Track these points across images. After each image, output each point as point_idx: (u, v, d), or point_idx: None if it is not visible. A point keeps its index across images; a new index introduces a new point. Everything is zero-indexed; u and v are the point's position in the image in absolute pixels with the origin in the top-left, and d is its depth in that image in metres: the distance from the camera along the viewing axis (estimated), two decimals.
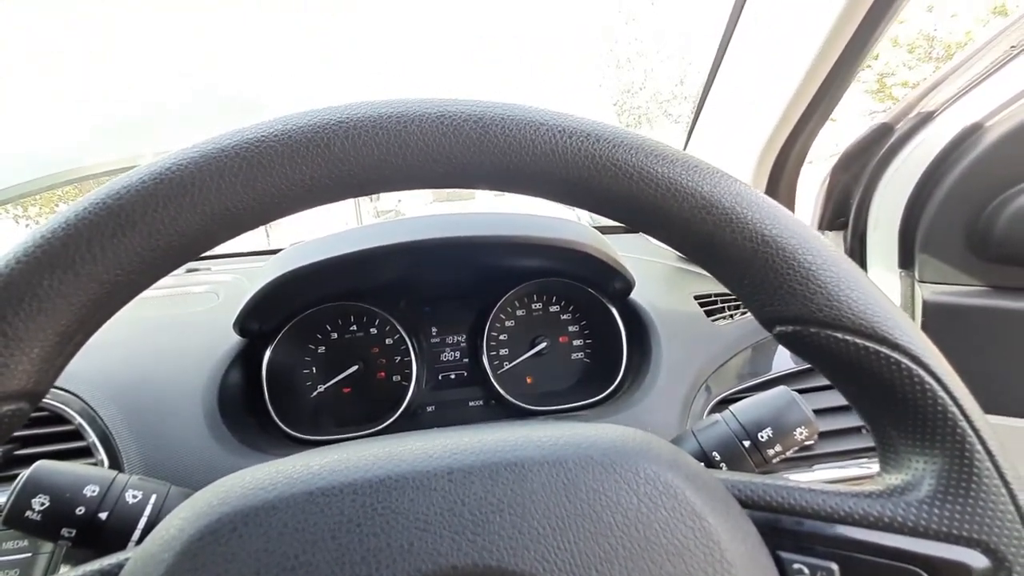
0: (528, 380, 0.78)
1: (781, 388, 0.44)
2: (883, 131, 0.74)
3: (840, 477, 0.58)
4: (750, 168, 0.78)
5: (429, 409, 0.74)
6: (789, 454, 0.43)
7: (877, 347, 0.26)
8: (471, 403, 0.75)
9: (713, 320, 0.71)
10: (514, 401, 0.70)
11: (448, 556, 0.22)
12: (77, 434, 0.52)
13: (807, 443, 0.43)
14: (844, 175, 0.78)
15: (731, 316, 0.73)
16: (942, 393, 0.25)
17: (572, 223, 0.65)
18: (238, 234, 0.29)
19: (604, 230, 1.04)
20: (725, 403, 0.62)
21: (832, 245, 0.28)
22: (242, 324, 0.62)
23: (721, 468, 0.42)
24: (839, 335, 0.26)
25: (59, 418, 0.53)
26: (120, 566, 0.25)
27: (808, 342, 0.27)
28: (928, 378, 0.25)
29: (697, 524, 0.24)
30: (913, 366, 0.26)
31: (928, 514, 0.26)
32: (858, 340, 0.26)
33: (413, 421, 0.72)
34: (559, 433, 0.27)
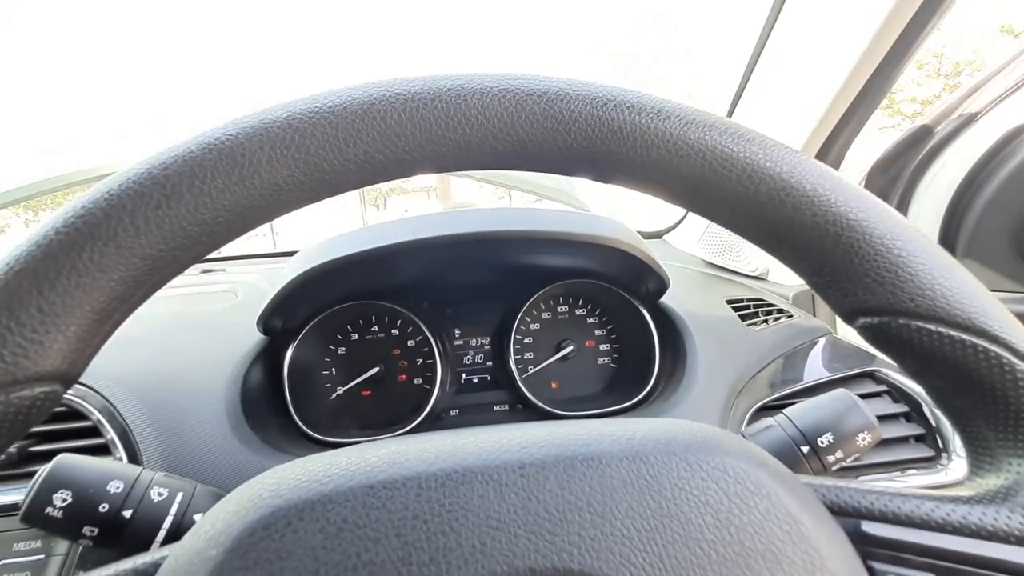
0: (553, 385, 0.75)
1: (840, 391, 0.42)
2: (922, 134, 0.72)
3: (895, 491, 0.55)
4: (800, 141, 0.76)
5: (453, 413, 0.72)
6: (849, 461, 0.40)
7: (974, 340, 0.24)
8: (496, 407, 0.73)
9: (747, 324, 0.69)
10: (541, 405, 0.68)
11: (525, 558, 0.20)
12: (95, 431, 0.50)
13: (869, 450, 0.40)
14: (881, 178, 0.76)
15: (766, 321, 0.71)
16: None
17: (605, 220, 0.63)
18: (285, 212, 0.27)
19: None
20: (765, 411, 0.59)
21: (922, 232, 0.26)
22: (266, 321, 0.60)
23: None
24: (931, 327, 0.24)
25: (77, 414, 0.51)
26: (156, 565, 0.23)
27: (895, 335, 0.25)
28: None
29: (794, 528, 0.22)
30: (1015, 360, 0.23)
31: None
32: (953, 332, 0.24)
33: (436, 425, 0.70)
34: (634, 427, 0.25)
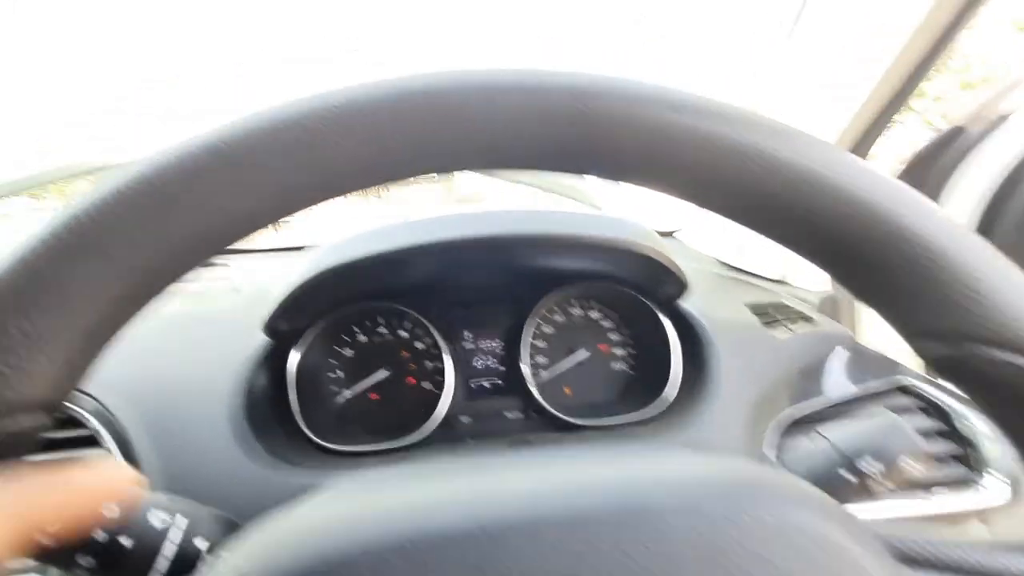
0: (567, 391, 0.73)
1: (887, 414, 0.39)
2: (955, 134, 0.69)
3: (928, 513, 0.53)
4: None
5: (464, 420, 0.70)
6: (895, 488, 0.38)
7: None
8: (508, 414, 0.70)
9: (770, 331, 0.66)
10: (556, 413, 0.65)
11: None
12: (92, 440, 0.48)
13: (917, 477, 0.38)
14: (910, 180, 0.73)
15: (789, 328, 0.68)
16: None
17: (623, 220, 0.60)
18: (290, 215, 0.25)
19: None
20: (797, 425, 0.57)
21: (1001, 254, 0.23)
22: (271, 324, 0.57)
23: None
24: (1008, 357, 0.22)
25: (72, 421, 0.49)
26: None
27: (968, 364, 0.22)
28: None
29: None
30: None
31: None
32: None
33: (447, 432, 0.67)
34: (689, 472, 0.22)
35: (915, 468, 0.37)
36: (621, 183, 0.27)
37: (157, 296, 0.23)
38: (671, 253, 0.60)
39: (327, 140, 0.23)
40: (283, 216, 0.24)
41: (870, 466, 0.37)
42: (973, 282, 0.22)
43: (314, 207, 0.25)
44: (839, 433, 0.39)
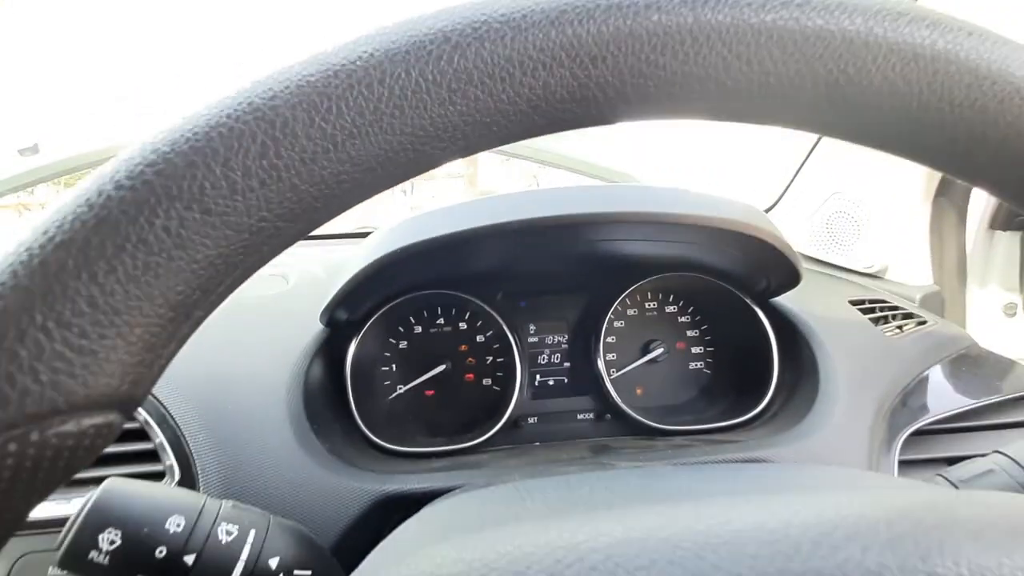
0: (638, 391, 0.66)
1: None
2: None
3: None
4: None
5: (531, 421, 0.64)
6: None
7: None
8: (580, 416, 0.64)
9: (881, 330, 0.59)
10: (636, 416, 0.59)
11: None
12: (143, 434, 0.44)
13: None
14: None
15: (899, 328, 0.60)
16: None
17: (732, 201, 0.52)
18: (426, 170, 0.19)
19: None
20: (919, 436, 0.50)
21: None
22: (331, 313, 0.52)
23: None
24: None
25: None
26: None
27: None
28: None
29: None
30: None
31: None
32: None
33: (514, 434, 0.62)
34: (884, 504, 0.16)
35: None
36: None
37: (260, 265, 0.18)
38: (784, 234, 0.52)
39: (484, 61, 0.17)
40: (418, 171, 0.19)
41: None
42: None
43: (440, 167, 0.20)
44: None
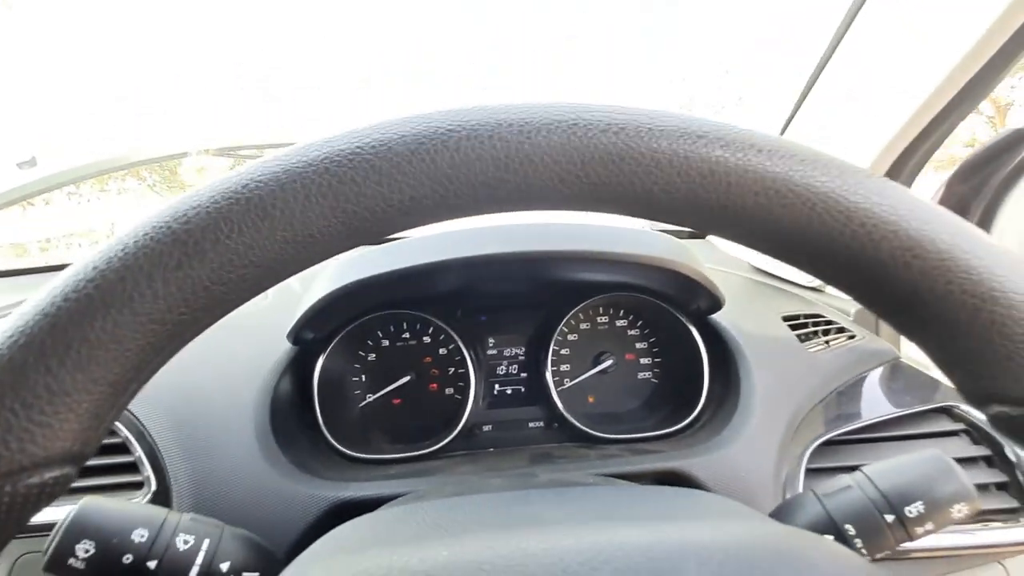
0: (590, 399, 0.72)
1: (933, 452, 0.37)
2: (1016, 139, 0.64)
3: (963, 544, 0.50)
4: (867, 164, 0.69)
5: (486, 428, 0.69)
6: (940, 532, 0.36)
7: None
8: (531, 424, 0.70)
9: (807, 346, 0.64)
10: (578, 425, 0.64)
11: None
12: (124, 448, 0.49)
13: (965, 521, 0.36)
14: (962, 187, 0.69)
15: (826, 342, 0.65)
16: None
17: (654, 235, 0.58)
18: (319, 261, 0.24)
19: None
20: (827, 446, 0.55)
21: None
22: (297, 334, 0.57)
23: (856, 544, 0.35)
24: None
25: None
26: None
27: None
28: None
29: None
30: None
31: None
32: None
33: (469, 441, 0.67)
34: (713, 536, 0.21)
35: (966, 515, 0.35)
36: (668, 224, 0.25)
37: (185, 344, 0.23)
38: (703, 267, 0.58)
39: (358, 185, 0.22)
40: (312, 263, 0.23)
41: (918, 513, 0.35)
42: None
43: (342, 253, 0.24)
44: (886, 476, 0.37)
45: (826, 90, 0.74)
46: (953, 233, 0.21)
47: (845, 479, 0.38)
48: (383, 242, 0.60)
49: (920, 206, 0.22)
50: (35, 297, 0.20)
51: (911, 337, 0.24)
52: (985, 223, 0.67)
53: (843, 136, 0.73)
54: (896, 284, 0.22)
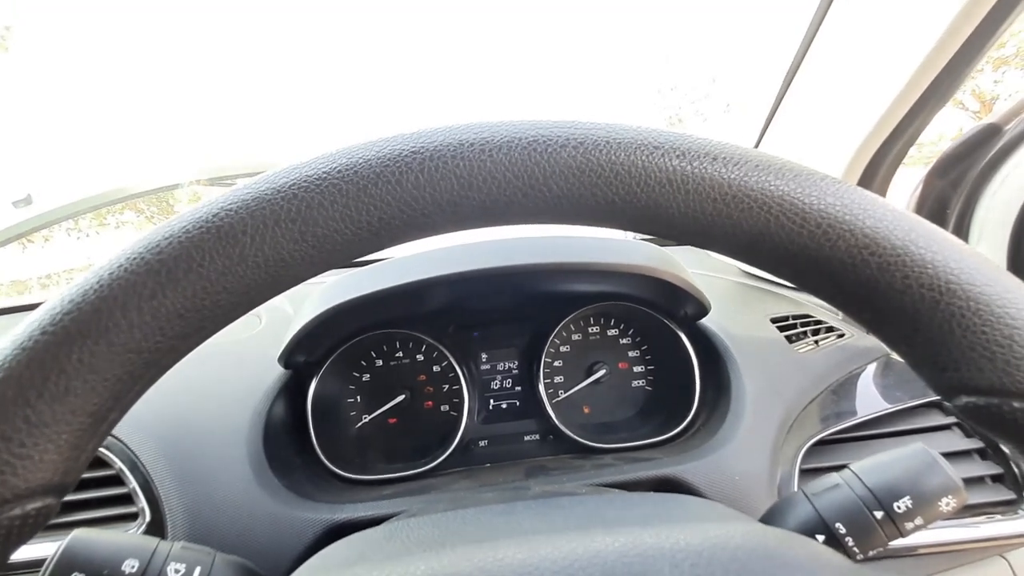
0: (585, 410, 0.72)
1: (918, 446, 0.37)
2: (990, 133, 0.66)
3: (962, 538, 0.50)
4: (839, 170, 0.70)
5: (482, 444, 0.69)
6: (930, 527, 0.36)
7: None
8: (526, 437, 0.70)
9: (795, 347, 0.64)
10: (573, 436, 0.65)
11: None
12: (118, 479, 0.49)
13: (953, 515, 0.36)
14: (941, 181, 0.70)
15: (815, 342, 0.65)
16: None
17: (637, 244, 0.59)
18: (292, 287, 0.25)
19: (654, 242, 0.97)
20: (820, 446, 0.55)
21: None
22: (288, 358, 0.58)
23: (848, 543, 0.35)
24: None
25: (101, 461, 0.50)
26: None
27: (1009, 419, 0.21)
28: None
29: None
30: None
31: None
32: None
33: (466, 457, 0.67)
34: (691, 540, 0.21)
35: (953, 508, 0.35)
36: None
37: (164, 372, 0.23)
38: (686, 273, 0.59)
39: (325, 209, 0.22)
40: (285, 288, 0.24)
41: (906, 508, 0.35)
42: (1017, 336, 0.20)
43: (315, 276, 0.25)
44: (873, 472, 0.37)
45: (797, 98, 0.75)
46: (907, 229, 0.22)
47: (834, 477, 0.38)
48: (371, 263, 0.61)
49: (874, 205, 0.23)
50: (13, 332, 0.21)
51: (877, 334, 0.25)
52: (964, 216, 0.68)
53: (817, 141, 0.75)
54: (856, 282, 0.23)
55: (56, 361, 0.20)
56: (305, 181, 0.23)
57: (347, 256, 0.24)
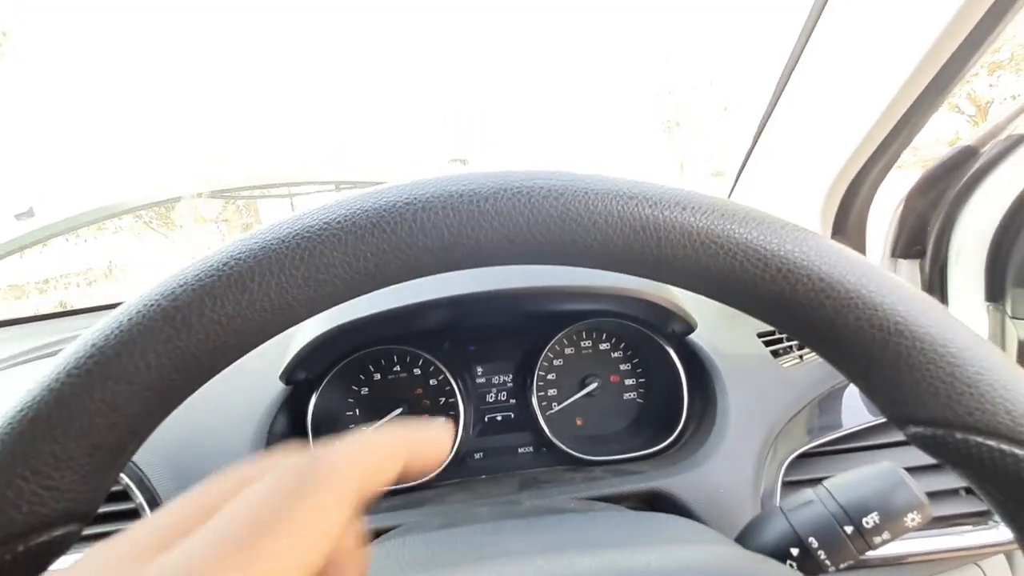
0: (578, 422, 0.74)
1: (887, 465, 0.39)
2: (967, 154, 0.68)
3: (937, 548, 0.52)
4: (816, 205, 0.73)
5: (477, 456, 0.71)
6: (897, 541, 0.38)
7: None
8: (520, 450, 0.72)
9: (780, 362, 0.66)
10: (566, 449, 0.66)
11: None
12: (124, 494, 0.51)
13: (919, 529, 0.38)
14: (921, 200, 0.72)
15: (800, 357, 0.68)
16: None
17: None
18: (295, 324, 0.27)
19: None
20: (804, 458, 0.57)
21: (980, 336, 0.24)
22: (289, 375, 0.60)
23: (820, 556, 0.37)
24: (992, 443, 0.22)
25: None
26: None
27: (953, 448, 0.23)
28: None
29: None
30: None
31: None
32: (1018, 451, 0.22)
33: (461, 469, 0.69)
34: (669, 566, 0.23)
35: (919, 523, 0.37)
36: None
37: (177, 405, 0.25)
38: (671, 293, 0.61)
39: (327, 257, 0.24)
40: (289, 326, 0.26)
41: (874, 524, 0.37)
42: (957, 374, 0.22)
43: (314, 315, 0.27)
44: (844, 489, 0.39)
45: (788, 108, 0.77)
46: (860, 274, 0.24)
47: (808, 493, 0.40)
48: None
49: (829, 250, 0.25)
50: (41, 373, 0.23)
51: (839, 369, 0.27)
52: (943, 234, 0.70)
53: (805, 152, 0.77)
54: (815, 322, 0.25)
55: (80, 401, 0.22)
56: (307, 231, 0.25)
57: (347, 296, 0.26)
